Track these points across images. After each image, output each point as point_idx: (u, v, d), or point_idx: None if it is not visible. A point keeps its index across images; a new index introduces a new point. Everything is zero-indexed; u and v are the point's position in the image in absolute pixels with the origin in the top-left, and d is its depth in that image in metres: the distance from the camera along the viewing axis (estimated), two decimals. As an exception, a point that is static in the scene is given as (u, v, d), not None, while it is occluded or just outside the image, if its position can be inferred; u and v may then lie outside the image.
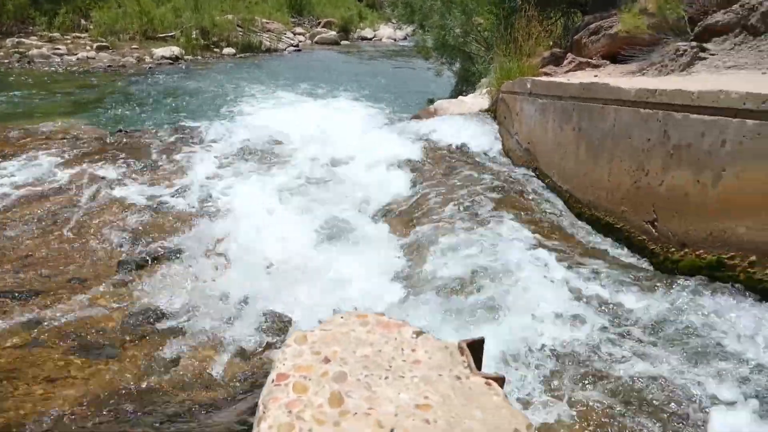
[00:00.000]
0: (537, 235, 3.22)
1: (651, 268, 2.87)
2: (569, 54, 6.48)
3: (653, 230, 2.90)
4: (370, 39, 24.06)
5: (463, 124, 5.90)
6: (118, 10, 16.40)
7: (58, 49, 13.84)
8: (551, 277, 2.60)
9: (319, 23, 23.67)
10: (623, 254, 3.07)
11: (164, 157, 5.20)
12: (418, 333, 0.87)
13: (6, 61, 12.45)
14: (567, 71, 6.03)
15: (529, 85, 4.59)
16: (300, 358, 0.80)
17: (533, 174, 4.46)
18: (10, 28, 14.82)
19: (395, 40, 23.57)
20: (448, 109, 7.04)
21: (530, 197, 4.02)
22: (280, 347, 0.90)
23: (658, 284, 2.55)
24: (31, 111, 7.89)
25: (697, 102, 2.57)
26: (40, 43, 14.09)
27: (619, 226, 3.18)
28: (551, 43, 8.04)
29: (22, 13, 15.22)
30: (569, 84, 3.80)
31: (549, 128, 4.12)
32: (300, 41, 20.02)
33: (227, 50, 16.17)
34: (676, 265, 2.73)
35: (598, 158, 3.40)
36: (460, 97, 7.82)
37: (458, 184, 4.31)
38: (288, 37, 19.44)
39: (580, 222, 3.58)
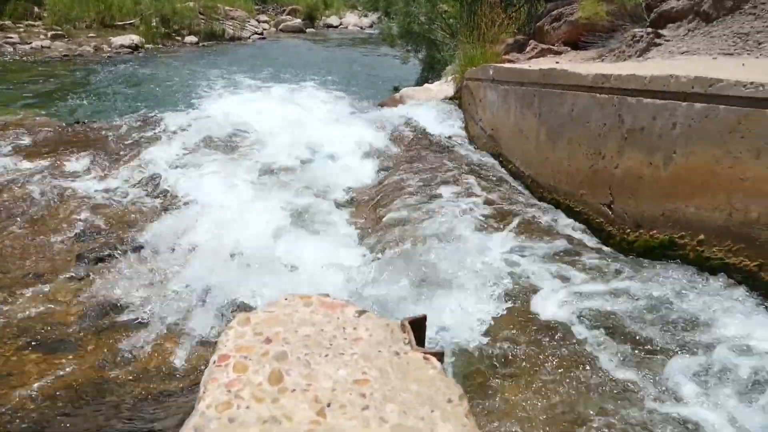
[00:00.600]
0: (495, 218, 3.28)
1: (608, 249, 2.95)
2: (532, 41, 6.56)
3: (610, 212, 2.98)
4: (336, 27, 23.88)
5: (428, 111, 5.93)
6: (75, -4, 15.88)
7: (11, 38, 13.34)
8: (501, 257, 2.69)
9: (284, 11, 23.36)
10: (580, 236, 3.14)
11: (124, 148, 5.08)
12: (361, 312, 0.88)
13: (-44, 51, 11.97)
14: (530, 58, 6.11)
15: (491, 72, 4.64)
16: (242, 339, 0.80)
17: (497, 160, 4.52)
18: (-41, 16, 14.22)
19: (361, 27, 23.44)
20: (413, 96, 7.06)
21: (493, 182, 4.08)
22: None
23: (604, 263, 2.65)
24: (-18, 102, 7.62)
25: (649, 86, 2.64)
26: (-9, 33, 13.56)
27: (578, 210, 3.26)
28: (515, 30, 8.11)
29: (-29, 1, 14.62)
30: (530, 70, 3.85)
31: (511, 114, 4.17)
32: (264, 29, 19.75)
33: (189, 38, 15.85)
34: (631, 246, 2.81)
35: (558, 143, 3.46)
36: (425, 85, 7.85)
37: (422, 169, 4.34)
38: (252, 25, 19.15)
39: (540, 204, 3.66)
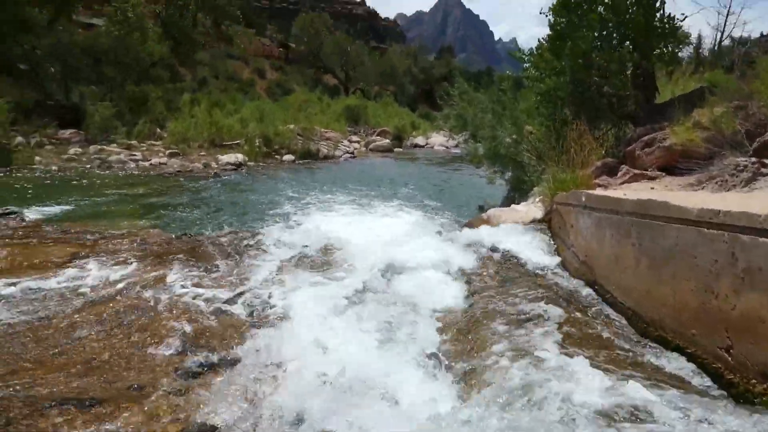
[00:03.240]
0: (597, 355, 3.09)
1: (731, 400, 2.66)
2: (623, 165, 6.52)
3: (729, 358, 2.72)
4: (423, 146, 25.07)
5: (517, 234, 5.91)
6: (191, 120, 17.94)
7: (135, 155, 15.06)
8: (610, 401, 2.46)
9: (374, 132, 24.98)
10: (697, 381, 2.87)
11: (224, 261, 5.40)
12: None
13: (88, 165, 13.60)
14: (622, 183, 6.04)
15: (583, 198, 4.61)
16: None
17: (592, 288, 4.34)
18: (95, 137, 16.34)
19: (447, 147, 24.46)
20: (501, 217, 7.09)
21: (589, 312, 3.90)
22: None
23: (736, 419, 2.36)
24: (106, 213, 8.48)
25: (764, 225, 2.51)
26: (119, 150, 15.41)
27: (689, 351, 3.01)
28: (603, 152, 8.15)
29: (107, 124, 16.84)
30: (625, 200, 3.79)
31: (606, 242, 4.06)
32: (355, 148, 21.08)
33: (287, 157, 17.16)
34: (760, 399, 2.52)
35: (661, 276, 3.30)
36: (512, 206, 7.88)
37: (513, 295, 4.24)
38: (344, 145, 20.52)
39: (645, 340, 3.42)
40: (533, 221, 6.47)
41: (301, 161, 17.19)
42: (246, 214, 9.04)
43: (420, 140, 25.73)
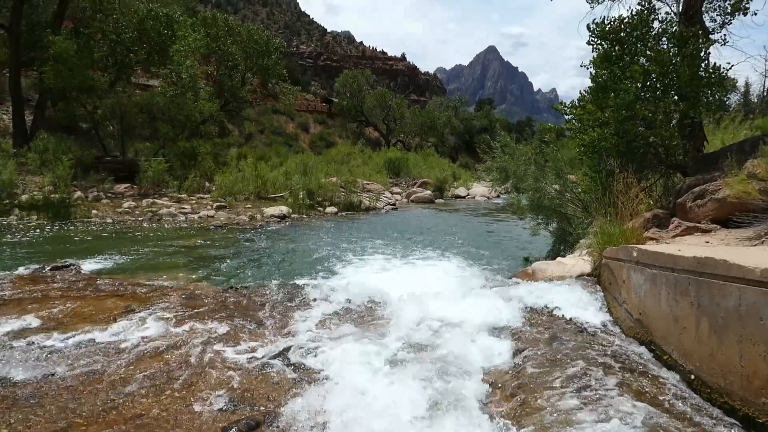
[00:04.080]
0: (660, 425, 2.91)
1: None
2: (674, 218, 6.33)
3: (806, 430, 2.53)
4: (464, 197, 25.05)
5: (565, 289, 5.75)
6: (237, 174, 18.54)
7: (184, 208, 15.58)
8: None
9: (415, 183, 25.18)
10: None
11: (269, 316, 5.44)
12: None
13: (141, 218, 14.12)
14: (674, 236, 5.85)
15: (635, 254, 4.47)
16: None
17: (647, 348, 4.14)
18: (148, 190, 17.05)
19: (488, 198, 24.38)
20: (547, 270, 6.93)
21: (646, 375, 3.70)
22: None
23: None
24: (156, 265, 8.72)
25: (837, 286, 2.36)
26: (169, 203, 15.98)
27: (761, 421, 2.81)
28: (651, 202, 7.95)
29: (159, 178, 17.57)
30: (681, 257, 3.65)
31: (662, 300, 3.90)
32: (397, 200, 21.24)
33: (330, 209, 17.42)
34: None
35: (725, 339, 3.12)
36: (558, 259, 7.71)
37: (564, 355, 4.09)
38: (386, 197, 20.71)
39: (710, 408, 3.21)
40: (581, 275, 6.30)
41: (343, 213, 17.41)
42: (290, 266, 9.14)
43: (461, 191, 25.74)
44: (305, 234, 12.98)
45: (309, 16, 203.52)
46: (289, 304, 5.94)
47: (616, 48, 8.48)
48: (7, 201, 13.30)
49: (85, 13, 20.48)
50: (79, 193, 14.97)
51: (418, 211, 19.54)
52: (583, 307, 5.25)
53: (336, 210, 17.38)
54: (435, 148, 50.67)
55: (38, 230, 11.63)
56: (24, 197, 13.57)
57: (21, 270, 7.34)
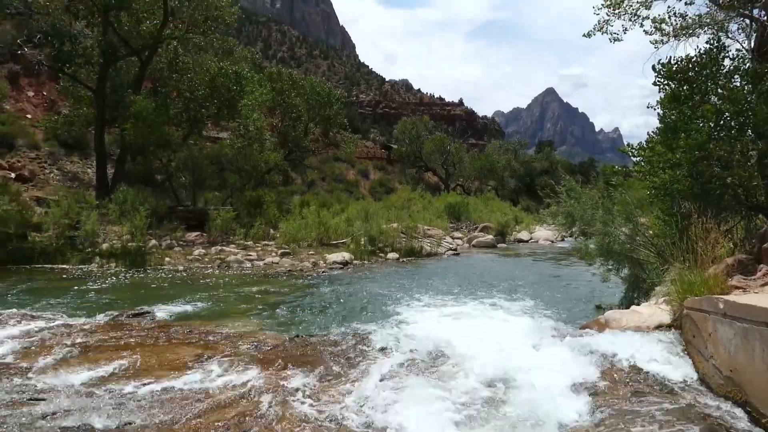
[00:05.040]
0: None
1: None
2: (761, 264, 5.93)
3: None
4: (527, 241, 24.52)
5: (642, 340, 5.43)
6: (301, 221, 18.98)
7: (250, 255, 16.03)
8: None
9: (476, 227, 24.93)
10: None
11: (336, 366, 5.42)
12: None
13: (210, 265, 14.63)
14: (763, 284, 5.45)
15: (722, 306, 4.18)
16: None
17: (742, 408, 3.82)
18: (216, 238, 17.71)
19: (552, 242, 23.76)
20: (621, 320, 6.59)
21: (744, 440, 3.40)
22: None
23: None
24: (225, 312, 8.97)
25: None
26: (236, 250, 16.50)
27: None
28: (732, 246, 7.47)
29: (227, 226, 18.25)
30: (776, 309, 3.39)
31: (757, 357, 3.61)
32: (458, 245, 21.05)
33: (391, 255, 17.45)
34: None
35: (834, 402, 2.84)
36: (633, 307, 7.33)
37: (647, 413, 3.83)
38: (447, 242, 20.57)
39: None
40: (660, 326, 5.94)
41: (405, 259, 17.39)
42: (353, 313, 9.16)
43: (524, 235, 25.23)
44: (368, 280, 13.03)
45: (368, 66, 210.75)
46: (354, 354, 5.91)
47: (685, 88, 8.24)
48: (90, 249, 14.16)
49: (162, 74, 22.09)
50: (153, 242, 15.74)
51: (481, 256, 19.25)
52: (664, 360, 4.93)
53: (397, 256, 17.39)
54: (495, 191, 50.28)
55: (116, 277, 12.26)
56: (104, 246, 14.40)
57: (101, 317, 7.72)
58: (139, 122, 18.47)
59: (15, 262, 13.11)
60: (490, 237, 22.39)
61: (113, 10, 19.04)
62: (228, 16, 20.70)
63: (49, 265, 13.34)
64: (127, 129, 18.73)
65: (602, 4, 9.78)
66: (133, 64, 21.05)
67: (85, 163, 23.44)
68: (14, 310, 7.96)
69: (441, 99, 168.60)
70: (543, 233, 25.04)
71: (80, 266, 13.45)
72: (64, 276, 12.35)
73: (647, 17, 9.51)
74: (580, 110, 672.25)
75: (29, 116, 24.38)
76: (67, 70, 19.50)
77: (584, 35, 10.48)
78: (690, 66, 8.22)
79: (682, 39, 9.61)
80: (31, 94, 26.29)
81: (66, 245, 14.13)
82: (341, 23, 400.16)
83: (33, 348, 5.89)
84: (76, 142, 23.35)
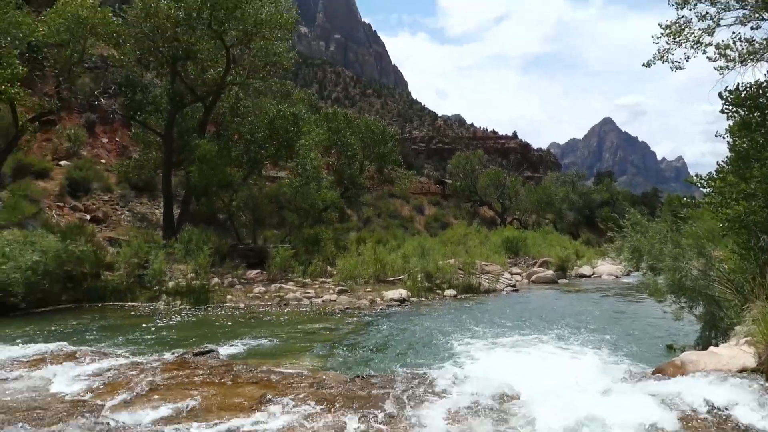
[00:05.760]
0: None
1: None
2: None
3: None
4: (589, 276, 23.66)
5: (725, 385, 5.08)
6: (357, 258, 19.09)
7: (308, 292, 16.22)
8: None
9: (535, 262, 24.32)
10: None
11: (397, 408, 5.33)
12: None
13: (269, 303, 14.88)
14: None
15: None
16: None
17: None
18: (276, 275, 18.06)
19: (617, 276, 22.81)
20: (698, 363, 6.19)
21: None
22: None
23: None
24: (286, 350, 9.07)
25: None
26: (295, 288, 16.73)
27: None
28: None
29: (286, 264, 18.59)
30: None
31: None
32: (517, 281, 20.56)
33: (449, 291, 17.22)
34: None
35: None
36: (711, 349, 6.88)
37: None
38: (505, 278, 20.14)
39: None
40: (743, 369, 5.54)
41: (462, 295, 17.11)
42: (413, 352, 9.05)
43: (585, 269, 24.35)
44: (426, 318, 12.88)
45: (420, 102, 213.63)
46: (415, 396, 5.80)
47: (756, 114, 7.89)
48: (157, 287, 14.74)
49: (225, 118, 23.16)
50: (216, 280, 16.23)
51: (541, 292, 18.71)
52: (750, 408, 4.57)
53: (455, 292, 17.14)
54: (553, 224, 49.09)
55: (181, 315, 12.67)
56: (171, 284, 14.97)
57: (168, 355, 7.96)
58: (203, 165, 19.33)
59: (89, 300, 13.81)
60: (550, 272, 21.75)
61: (180, 60, 20.27)
62: (286, 61, 21.57)
63: (120, 303, 13.97)
64: (193, 171, 19.61)
65: (662, 33, 9.54)
66: (197, 110, 22.20)
67: (153, 204, 24.65)
68: (89, 347, 8.33)
69: (494, 132, 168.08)
70: (606, 268, 24.11)
71: (148, 304, 14.00)
72: (133, 313, 12.89)
73: (710, 44, 9.20)
74: (639, 139, 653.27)
75: (103, 161, 26.01)
76: (138, 118, 20.79)
77: (644, 65, 10.24)
78: (760, 92, 7.89)
79: (749, 64, 9.22)
80: (105, 140, 28.12)
81: (135, 283, 14.79)
82: (393, 62, 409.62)
83: (106, 386, 6.13)
84: (146, 184, 24.65)
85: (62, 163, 23.53)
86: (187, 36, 19.39)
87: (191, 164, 19.89)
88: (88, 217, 20.50)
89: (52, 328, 10.60)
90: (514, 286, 19.27)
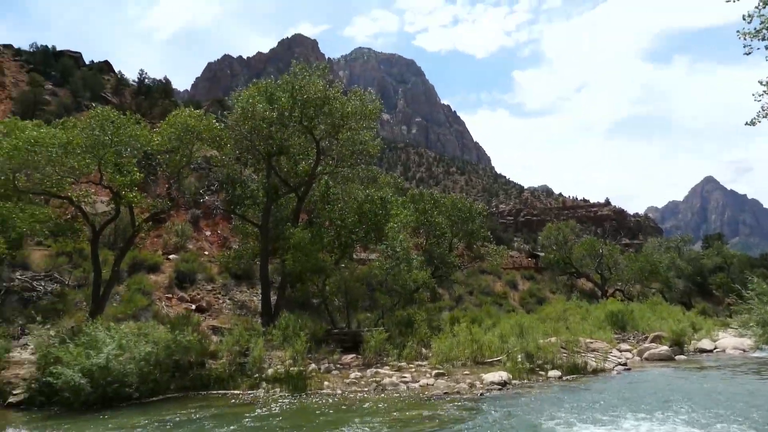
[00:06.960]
0: None
1: None
2: None
3: None
4: (711, 351, 21.33)
5: None
6: (452, 339, 18.53)
7: (405, 377, 15.78)
8: None
9: (646, 337, 22.40)
10: None
11: None
12: None
13: (366, 389, 14.61)
14: None
15: None
16: None
17: None
18: (371, 359, 17.84)
19: (744, 351, 20.35)
20: None
21: None
22: None
23: None
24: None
25: None
26: (391, 372, 16.37)
27: None
28: None
29: (380, 347, 18.37)
30: None
31: None
32: (627, 358, 18.94)
33: (552, 372, 16.14)
34: None
35: None
36: None
37: None
38: (614, 355, 18.64)
39: None
40: None
41: (568, 377, 15.91)
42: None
43: (705, 343, 21.99)
44: (534, 404, 12.03)
45: (505, 176, 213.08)
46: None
47: None
48: (257, 375, 14.98)
49: (316, 206, 24.21)
50: (313, 366, 16.27)
51: (657, 370, 17.01)
52: None
53: (559, 374, 16.00)
54: (661, 294, 45.48)
55: (280, 403, 12.69)
56: (270, 371, 15.16)
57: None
58: (297, 252, 20.05)
59: (194, 388, 14.24)
60: (664, 348, 19.85)
61: (275, 156, 21.72)
62: (372, 149, 22.47)
63: (222, 391, 14.27)
64: (288, 258, 20.37)
65: (763, 91, 9.07)
66: (291, 200, 23.40)
67: (252, 291, 25.68)
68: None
69: (585, 201, 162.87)
70: (730, 341, 21.68)
71: (249, 392, 14.19)
72: (233, 401, 13.10)
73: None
74: (749, 196, 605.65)
75: (206, 253, 27.78)
76: (237, 211, 22.23)
77: (747, 123, 9.68)
78: None
79: None
80: (208, 233, 30.17)
81: (237, 371, 15.12)
82: (475, 139, 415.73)
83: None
84: (245, 273, 25.88)
85: (171, 256, 25.39)
86: (280, 133, 20.88)
87: (286, 252, 20.71)
88: (193, 306, 21.65)
89: (165, 418, 10.95)
90: (624, 364, 17.73)
